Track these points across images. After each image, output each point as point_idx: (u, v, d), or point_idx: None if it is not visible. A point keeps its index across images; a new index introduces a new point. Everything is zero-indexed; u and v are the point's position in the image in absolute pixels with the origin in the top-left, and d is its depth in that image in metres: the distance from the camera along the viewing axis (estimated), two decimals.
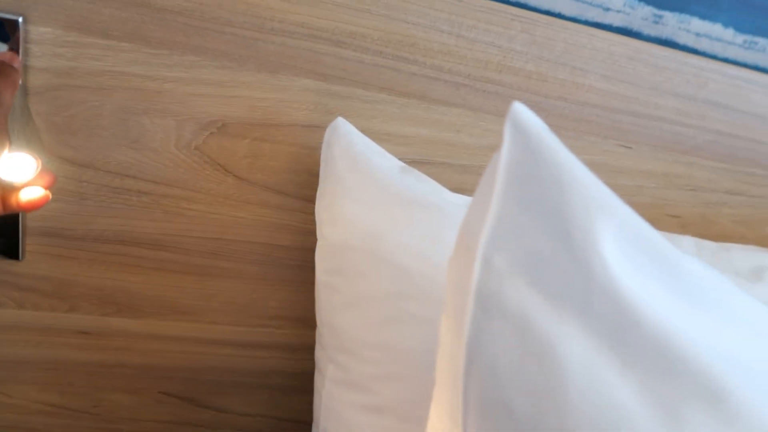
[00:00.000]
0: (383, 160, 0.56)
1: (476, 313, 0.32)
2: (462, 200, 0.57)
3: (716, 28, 0.72)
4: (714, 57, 0.73)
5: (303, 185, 0.62)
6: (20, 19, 0.48)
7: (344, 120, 0.56)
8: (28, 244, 0.58)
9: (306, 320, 0.70)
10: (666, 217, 0.75)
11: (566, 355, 0.30)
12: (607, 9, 0.67)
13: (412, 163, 0.63)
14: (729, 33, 0.73)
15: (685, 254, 0.33)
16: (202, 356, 0.69)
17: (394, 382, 0.50)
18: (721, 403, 0.30)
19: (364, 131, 0.61)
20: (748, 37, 0.74)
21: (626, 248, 0.31)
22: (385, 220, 0.52)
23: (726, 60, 0.74)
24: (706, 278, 0.33)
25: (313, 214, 0.64)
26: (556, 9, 0.65)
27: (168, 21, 0.52)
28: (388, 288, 0.50)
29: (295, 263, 0.66)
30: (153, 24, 0.52)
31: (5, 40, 0.48)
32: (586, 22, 0.66)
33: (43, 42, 0.50)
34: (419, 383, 0.49)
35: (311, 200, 0.63)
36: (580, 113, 0.66)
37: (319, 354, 0.56)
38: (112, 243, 0.60)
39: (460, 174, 0.66)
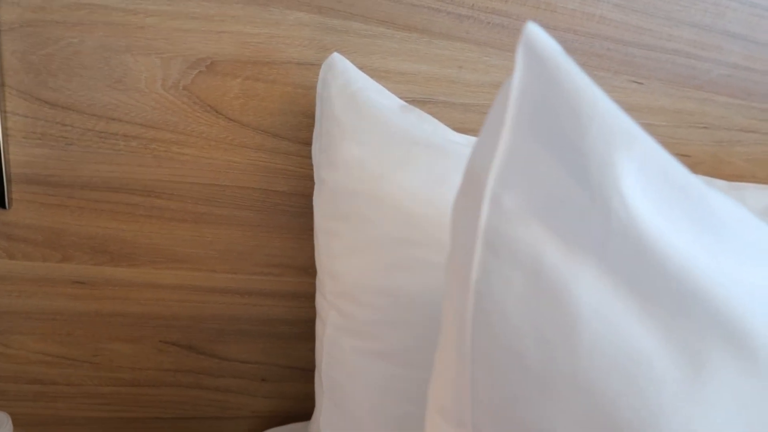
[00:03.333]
0: (383, 99, 0.52)
1: (484, 256, 0.29)
2: (467, 140, 0.54)
3: None
4: None
5: (299, 127, 0.59)
6: None
7: (341, 56, 0.52)
8: (14, 191, 0.56)
9: (307, 268, 0.67)
10: (676, 156, 0.72)
11: (582, 299, 0.27)
12: None
13: (413, 102, 0.59)
14: None
15: (711, 189, 0.30)
16: (202, 305, 0.67)
17: (398, 328, 0.48)
18: (746, 348, 0.28)
19: (361, 68, 0.57)
20: None
21: (649, 184, 0.28)
22: (387, 162, 0.49)
23: None
24: (735, 215, 0.30)
25: (310, 157, 0.61)
26: None
27: None
28: (392, 233, 0.48)
29: (294, 209, 0.63)
30: None
31: None
32: None
33: None
34: (425, 329, 0.47)
35: (308, 143, 0.60)
36: (591, 46, 0.62)
37: (320, 301, 0.54)
38: (102, 190, 0.57)
39: (463, 113, 0.62)
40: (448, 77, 0.60)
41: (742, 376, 0.28)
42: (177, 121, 0.55)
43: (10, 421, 0.58)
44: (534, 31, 0.28)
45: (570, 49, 0.62)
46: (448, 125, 0.62)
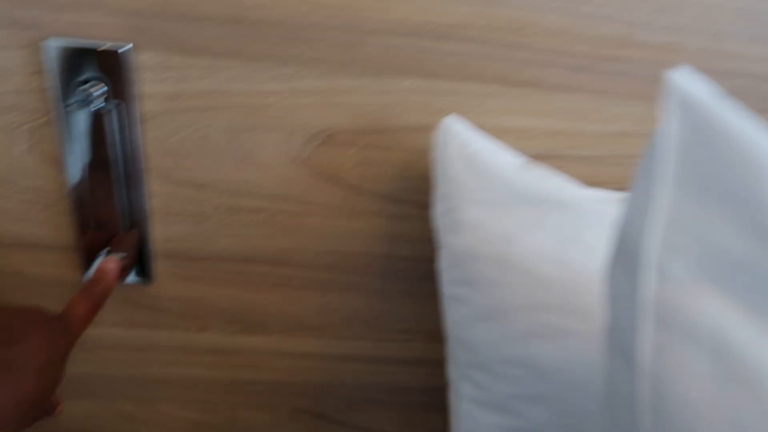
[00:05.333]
0: (503, 157, 0.49)
1: (657, 334, 0.24)
2: (599, 195, 0.49)
3: None
4: None
5: (418, 191, 0.57)
6: (127, 47, 0.48)
7: (455, 118, 0.50)
8: (158, 266, 0.58)
9: (435, 334, 0.64)
10: None
11: None
12: None
13: (534, 158, 0.56)
14: None
15: None
16: (331, 371, 0.65)
17: (539, 403, 0.42)
18: None
19: (477, 128, 0.54)
20: None
21: None
22: (514, 222, 0.46)
23: None
24: None
25: (430, 221, 0.58)
26: None
27: (264, 33, 0.49)
28: (524, 298, 0.43)
29: (419, 274, 0.61)
30: (250, 38, 0.49)
31: (118, 71, 0.48)
32: None
33: (149, 68, 0.49)
34: (566, 404, 0.41)
35: (428, 206, 0.58)
36: (725, 83, 0.55)
37: (452, 371, 0.50)
38: (235, 261, 0.59)
39: (589, 166, 0.58)
40: (569, 130, 0.56)
41: None
42: (300, 192, 0.56)
43: None
44: (680, 76, 0.24)
45: None
46: (576, 180, 0.57)
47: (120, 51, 0.47)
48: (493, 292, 0.44)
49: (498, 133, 0.55)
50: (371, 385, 0.66)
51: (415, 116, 0.54)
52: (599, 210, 0.47)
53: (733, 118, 0.23)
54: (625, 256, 0.26)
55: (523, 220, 0.46)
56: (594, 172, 0.58)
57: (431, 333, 0.64)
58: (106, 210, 0.53)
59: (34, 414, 0.39)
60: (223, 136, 0.53)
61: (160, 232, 0.56)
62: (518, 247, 0.44)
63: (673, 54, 0.53)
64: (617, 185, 0.58)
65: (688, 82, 0.24)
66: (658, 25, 0.52)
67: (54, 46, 0.46)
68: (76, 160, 0.51)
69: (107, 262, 0.48)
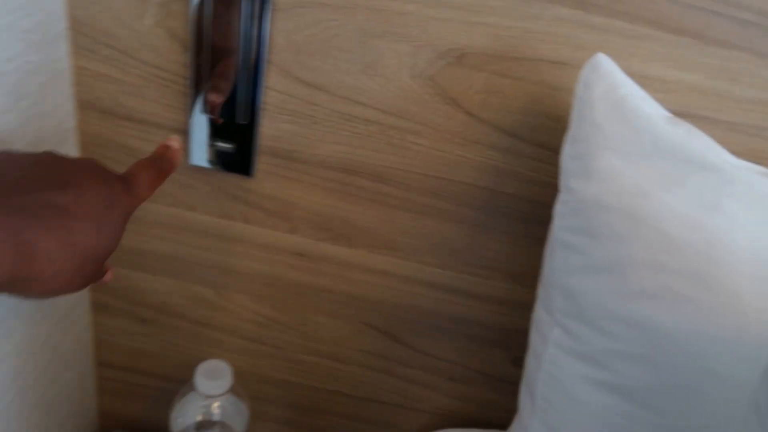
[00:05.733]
0: (650, 107, 0.45)
1: None
2: (743, 164, 0.45)
3: None
4: None
5: (539, 129, 0.53)
6: None
7: (606, 58, 0.46)
8: (260, 162, 0.57)
9: (517, 275, 0.62)
10: None
11: None
12: None
13: (671, 113, 0.51)
14: None
15: None
16: (407, 294, 0.65)
17: (640, 363, 0.41)
18: None
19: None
20: None
21: None
22: (652, 178, 0.42)
23: None
24: None
25: (546, 162, 0.55)
26: None
27: None
28: (647, 256, 0.41)
29: (518, 214, 0.58)
30: None
31: None
32: None
33: None
34: (673, 370, 0.40)
35: (546, 147, 0.54)
36: None
37: (542, 315, 0.48)
38: (335, 170, 0.57)
39: (726, 131, 0.53)
40: (716, 90, 0.51)
41: None
42: (417, 110, 0.53)
43: (230, 370, 0.60)
44: None
45: None
46: None
47: None
48: (615, 246, 0.42)
49: (639, 79, 0.50)
50: (442, 313, 0.66)
51: (555, 48, 0.50)
52: (745, 179, 0.43)
53: None
54: None
55: (663, 177, 0.43)
56: (729, 139, 0.53)
57: (514, 274, 0.62)
58: (223, 96, 0.52)
59: (86, 273, 0.35)
60: (351, 39, 0.50)
61: (269, 128, 0.55)
62: (653, 203, 0.42)
63: None
64: (750, 156, 0.53)
65: None
66: None
67: None
68: (202, 41, 0.49)
69: (172, 140, 0.43)
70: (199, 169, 0.58)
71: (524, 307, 0.64)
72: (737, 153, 0.52)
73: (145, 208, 0.61)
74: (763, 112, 0.52)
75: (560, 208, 0.46)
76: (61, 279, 0.33)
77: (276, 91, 0.53)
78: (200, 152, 0.55)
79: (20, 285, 0.31)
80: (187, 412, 0.61)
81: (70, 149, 0.56)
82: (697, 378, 0.40)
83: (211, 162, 0.56)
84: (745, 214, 0.42)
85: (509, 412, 0.57)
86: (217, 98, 0.52)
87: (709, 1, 0.47)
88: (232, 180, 0.58)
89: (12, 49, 0.44)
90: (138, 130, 0.56)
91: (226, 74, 0.50)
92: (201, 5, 0.47)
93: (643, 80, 0.51)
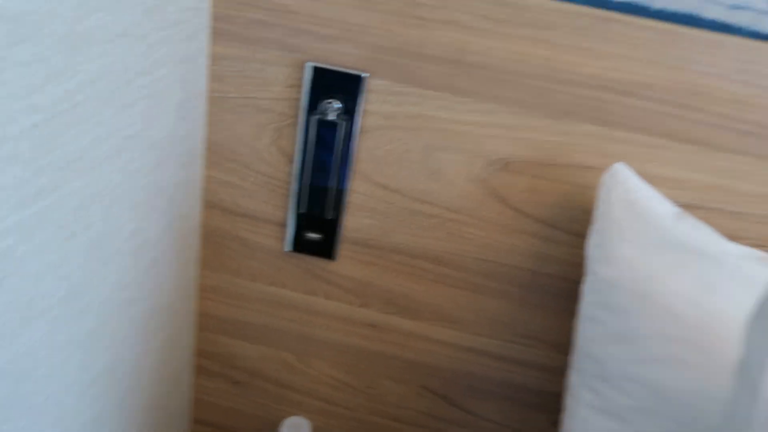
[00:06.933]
0: (659, 206, 0.53)
1: None
2: (740, 251, 0.52)
3: None
4: None
5: (572, 220, 0.62)
6: (367, 75, 0.56)
7: (623, 166, 0.55)
8: (342, 249, 0.67)
9: (557, 344, 0.69)
10: None
11: None
12: None
13: (684, 206, 0.59)
14: None
15: None
16: (461, 361, 0.72)
17: (652, 416, 0.47)
18: None
19: (638, 173, 0.59)
20: None
21: None
22: (659, 264, 0.50)
23: None
24: None
25: (578, 247, 0.63)
26: None
27: (473, 74, 0.56)
28: (658, 329, 0.48)
29: (557, 291, 0.66)
30: (461, 77, 0.56)
31: (354, 92, 0.57)
32: None
33: (377, 91, 0.58)
34: (676, 422, 0.46)
35: (578, 234, 0.63)
36: None
37: (574, 379, 0.55)
38: (404, 254, 0.66)
39: (734, 221, 0.60)
40: (723, 186, 0.59)
41: None
42: (472, 206, 0.63)
43: (310, 428, 0.68)
44: None
45: None
46: (719, 231, 0.60)
47: (359, 77, 0.56)
48: (631, 320, 0.49)
49: (656, 180, 0.59)
50: (491, 378, 0.72)
51: (585, 157, 0.59)
52: (738, 265, 0.50)
53: None
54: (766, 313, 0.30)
55: (669, 264, 0.50)
56: (737, 227, 0.61)
57: (554, 344, 0.69)
58: (317, 198, 0.62)
59: None
60: (420, 152, 0.61)
61: (351, 222, 0.65)
62: (660, 286, 0.49)
63: None
64: (757, 241, 0.60)
65: None
66: None
67: (311, 66, 0.56)
68: (305, 157, 0.60)
69: None
70: (293, 255, 0.68)
71: (562, 372, 0.70)
72: (743, 238, 0.60)
73: (248, 287, 0.71)
74: (763, 203, 0.60)
75: (586, 287, 0.54)
76: None
77: (358, 193, 0.63)
78: (295, 241, 0.66)
79: None
80: None
81: (195, 241, 0.67)
82: (700, 427, 0.46)
83: (302, 249, 0.66)
84: (737, 293, 0.49)
85: None
86: (313, 201, 0.63)
87: (713, 118, 0.56)
88: (318, 263, 0.68)
89: (166, 168, 0.56)
90: (250, 224, 0.67)
91: (320, 182, 0.61)
92: (306, 129, 0.59)
93: (660, 180, 0.59)
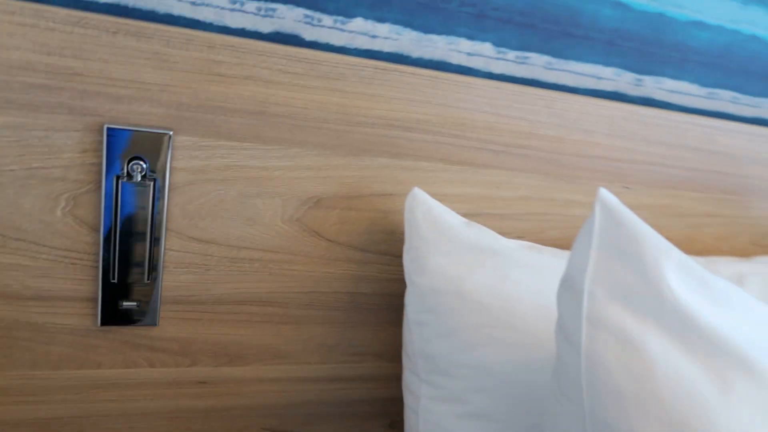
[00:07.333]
0: (452, 219, 0.63)
1: (589, 330, 0.39)
2: (514, 244, 0.65)
3: (684, 85, 0.83)
4: (686, 110, 0.83)
5: (380, 242, 0.69)
6: (170, 133, 0.55)
7: (420, 189, 0.64)
8: (162, 311, 0.64)
9: (382, 354, 0.76)
10: None
11: (653, 348, 0.38)
12: (600, 78, 0.77)
13: (466, 215, 0.71)
14: (694, 88, 0.83)
15: (717, 277, 0.42)
16: (297, 392, 0.74)
17: (483, 392, 0.57)
18: (753, 371, 0.38)
19: (428, 194, 0.68)
20: (711, 90, 0.85)
21: (683, 278, 0.40)
22: (462, 266, 0.60)
23: (696, 111, 0.84)
24: (734, 292, 0.42)
25: (389, 264, 0.71)
26: (562, 82, 0.75)
27: (277, 123, 0.59)
28: (472, 320, 0.58)
29: (375, 307, 0.73)
30: (266, 127, 0.59)
31: (159, 150, 0.55)
32: (585, 91, 0.76)
33: (184, 147, 0.57)
34: (503, 392, 0.56)
35: (386, 254, 0.70)
36: (591, 164, 0.75)
37: (411, 379, 0.63)
38: (228, 304, 0.66)
39: (500, 221, 0.74)
40: (489, 195, 0.72)
41: (754, 390, 0.38)
42: (290, 245, 0.66)
43: None
44: (605, 192, 0.41)
45: (576, 167, 0.75)
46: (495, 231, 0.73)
47: (163, 135, 0.55)
48: (450, 317, 0.58)
49: (440, 197, 0.70)
50: (327, 401, 0.76)
51: (383, 186, 0.67)
52: (517, 255, 0.63)
53: (628, 215, 0.40)
54: (571, 286, 0.41)
55: (470, 264, 0.60)
56: (503, 225, 0.75)
57: (379, 354, 0.76)
58: (129, 264, 0.59)
59: None
60: (234, 201, 0.62)
61: (169, 281, 0.63)
62: (467, 284, 0.59)
63: (559, 143, 0.72)
64: (520, 235, 0.75)
65: (607, 196, 0.41)
66: (551, 124, 0.71)
67: (107, 128, 0.53)
68: (111, 222, 0.57)
69: None
70: (107, 329, 0.63)
71: (392, 378, 0.77)
72: (510, 233, 0.74)
73: (50, 377, 0.63)
74: (519, 205, 0.74)
75: (408, 297, 0.62)
76: None
77: (174, 251, 0.61)
78: (108, 314, 0.61)
79: None
80: None
81: None
82: (523, 392, 0.57)
83: (118, 320, 0.62)
84: (522, 277, 0.61)
85: None
86: (124, 267, 0.59)
87: (474, 142, 0.68)
88: (138, 331, 0.64)
89: None
90: (46, 306, 0.60)
91: (130, 247, 0.58)
92: (110, 193, 0.55)
93: (444, 197, 0.70)
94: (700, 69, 0.83)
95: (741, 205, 0.89)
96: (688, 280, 0.40)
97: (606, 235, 0.40)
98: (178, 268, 0.63)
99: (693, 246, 0.88)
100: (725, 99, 0.86)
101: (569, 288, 0.42)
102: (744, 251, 0.92)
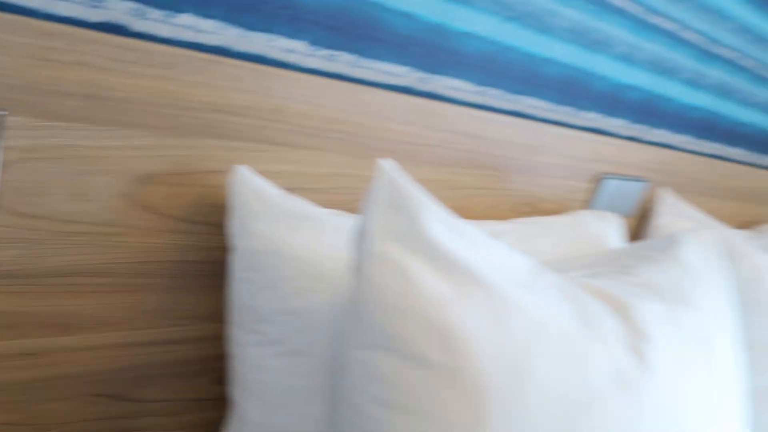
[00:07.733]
0: (272, 190, 0.74)
1: (372, 264, 0.55)
2: (326, 212, 0.78)
3: (461, 83, 1.02)
4: (462, 103, 1.03)
5: (207, 214, 0.77)
6: (4, 113, 0.58)
7: (243, 166, 0.73)
8: None
9: (209, 316, 0.84)
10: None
11: (417, 275, 0.55)
12: (395, 75, 0.93)
13: (288, 189, 0.82)
14: (468, 85, 1.03)
15: (466, 225, 0.60)
16: (128, 357, 0.79)
17: (299, 333, 0.69)
18: (486, 286, 0.57)
19: (254, 172, 0.78)
20: (481, 88, 1.05)
21: (440, 225, 0.57)
22: (282, 230, 0.71)
23: (470, 104, 1.05)
24: (478, 235, 0.60)
25: (214, 234, 0.79)
26: (365, 77, 0.89)
27: (111, 107, 0.64)
28: (290, 273, 0.70)
29: (202, 273, 0.81)
30: (100, 110, 0.63)
31: None
32: (383, 85, 0.92)
33: (16, 127, 0.59)
34: (315, 331, 0.69)
35: (213, 224, 0.78)
36: (389, 146, 0.91)
37: (237, 331, 0.73)
38: (58, 276, 0.69)
39: (314, 194, 0.87)
40: (304, 172, 0.84)
41: (483, 297, 0.56)
42: (121, 219, 0.71)
43: None
44: (386, 163, 0.56)
45: (378, 149, 0.90)
46: (312, 202, 0.85)
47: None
48: (271, 272, 0.70)
49: (264, 173, 0.80)
50: (157, 363, 0.82)
51: (211, 164, 0.75)
52: (328, 220, 0.76)
53: (399, 178, 0.56)
54: (361, 233, 0.56)
55: (289, 228, 0.72)
56: (318, 198, 0.87)
57: (206, 316, 0.83)
58: None
59: None
60: (66, 179, 0.65)
61: None
62: (286, 245, 0.71)
63: (363, 129, 0.86)
64: (331, 205, 0.89)
65: (387, 165, 0.56)
66: (356, 111, 0.85)
67: None
68: None
69: None
70: None
71: (216, 338, 0.86)
72: (323, 203, 0.86)
73: None
74: (328, 180, 0.87)
75: (235, 258, 0.72)
76: None
77: (3, 227, 0.63)
78: None
79: None
80: None
81: None
82: (329, 328, 0.70)
83: None
84: (332, 237, 0.74)
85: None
86: None
87: (292, 126, 0.79)
88: None
89: None
90: None
91: None
92: None
93: (265, 173, 0.80)
94: (473, 71, 1.03)
95: (503, 179, 1.13)
96: (444, 227, 0.57)
97: (385, 195, 0.55)
98: (6, 243, 0.65)
99: (468, 213, 1.09)
100: (492, 95, 1.08)
101: (359, 234, 0.56)
102: (505, 216, 1.16)
